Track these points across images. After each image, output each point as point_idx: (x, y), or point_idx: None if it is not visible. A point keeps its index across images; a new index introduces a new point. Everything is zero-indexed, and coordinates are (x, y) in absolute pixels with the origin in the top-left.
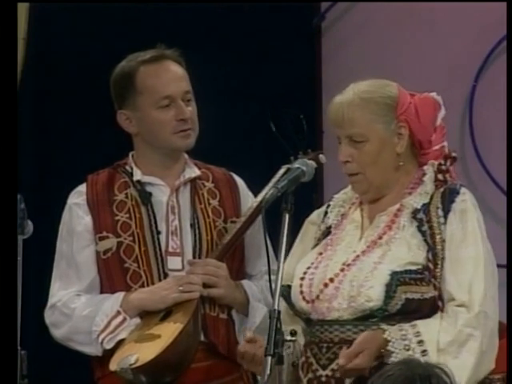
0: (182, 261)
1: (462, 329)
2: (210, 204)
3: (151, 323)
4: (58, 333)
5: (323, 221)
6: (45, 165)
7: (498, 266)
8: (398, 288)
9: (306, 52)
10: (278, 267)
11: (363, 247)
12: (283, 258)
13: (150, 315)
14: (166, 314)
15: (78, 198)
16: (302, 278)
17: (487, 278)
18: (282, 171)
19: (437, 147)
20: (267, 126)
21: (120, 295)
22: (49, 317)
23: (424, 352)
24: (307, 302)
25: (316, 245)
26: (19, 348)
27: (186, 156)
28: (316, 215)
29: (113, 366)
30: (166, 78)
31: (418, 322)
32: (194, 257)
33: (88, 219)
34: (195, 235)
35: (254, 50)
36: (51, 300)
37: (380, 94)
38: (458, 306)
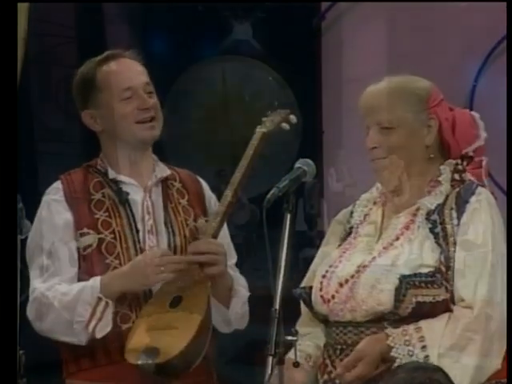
0: None
1: (462, 333)
2: (180, 203)
3: (162, 310)
4: (41, 326)
5: (348, 220)
6: (44, 165)
7: None
8: (407, 292)
9: (306, 52)
10: (280, 266)
11: (380, 249)
12: (284, 258)
13: (157, 300)
14: (175, 299)
15: (55, 194)
16: (324, 276)
17: (495, 280)
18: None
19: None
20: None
21: (96, 282)
22: (30, 311)
23: (426, 357)
24: (324, 302)
25: (340, 244)
26: (19, 348)
27: (154, 156)
28: (342, 214)
29: (131, 357)
30: (125, 72)
31: (423, 326)
32: None
33: (68, 215)
34: (169, 233)
35: (254, 50)
36: (32, 295)
37: (413, 85)
38: (464, 307)
